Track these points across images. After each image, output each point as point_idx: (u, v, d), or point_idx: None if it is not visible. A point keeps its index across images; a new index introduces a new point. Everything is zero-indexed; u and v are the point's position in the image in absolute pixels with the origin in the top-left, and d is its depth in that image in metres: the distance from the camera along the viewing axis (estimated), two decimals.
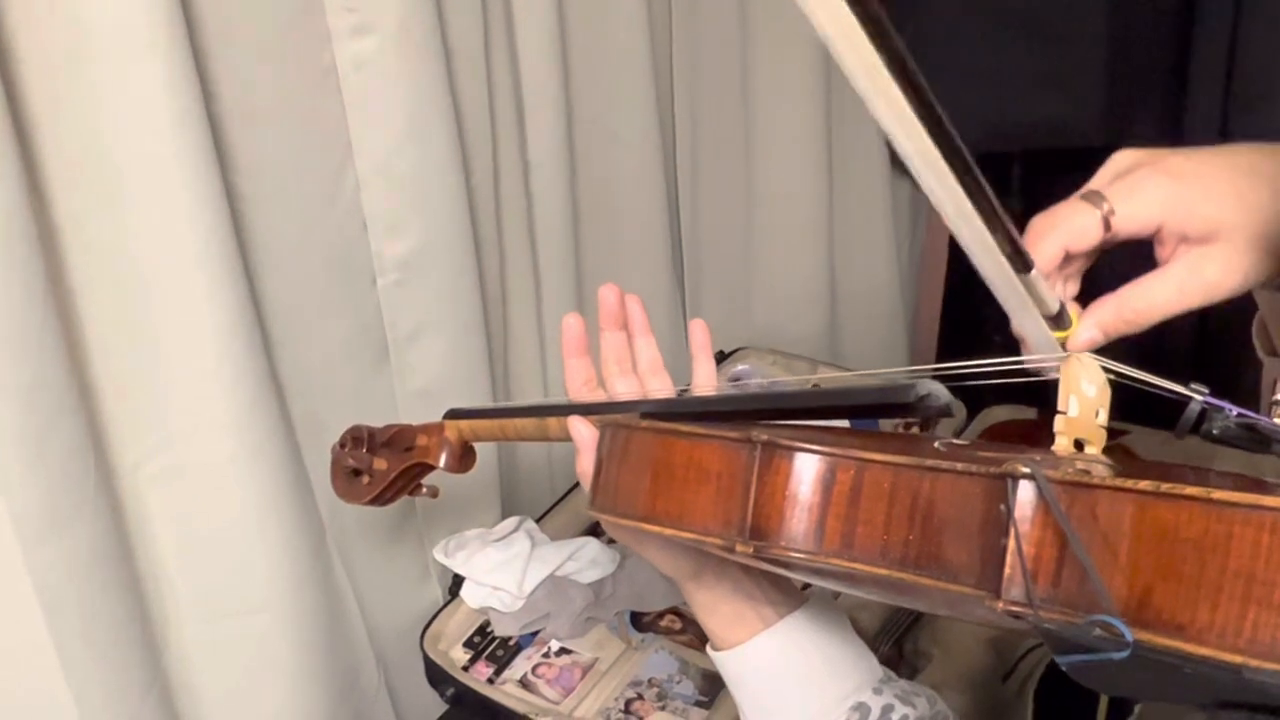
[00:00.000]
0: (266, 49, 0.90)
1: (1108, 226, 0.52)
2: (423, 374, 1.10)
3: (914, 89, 0.40)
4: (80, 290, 0.82)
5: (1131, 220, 0.51)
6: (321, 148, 0.97)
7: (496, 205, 1.15)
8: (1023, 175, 1.78)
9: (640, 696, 1.07)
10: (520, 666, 1.13)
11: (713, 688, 1.07)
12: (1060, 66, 1.59)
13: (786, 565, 0.50)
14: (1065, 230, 0.52)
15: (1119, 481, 0.37)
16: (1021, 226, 1.69)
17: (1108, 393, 0.51)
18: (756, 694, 0.63)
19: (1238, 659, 0.33)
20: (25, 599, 0.78)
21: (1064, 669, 0.38)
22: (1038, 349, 0.53)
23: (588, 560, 1.21)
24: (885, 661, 1.04)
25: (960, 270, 1.83)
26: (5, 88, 0.73)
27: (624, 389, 0.70)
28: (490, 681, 1.11)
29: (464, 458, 0.83)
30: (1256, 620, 0.33)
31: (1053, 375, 0.53)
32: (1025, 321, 0.51)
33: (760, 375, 1.51)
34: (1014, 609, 0.39)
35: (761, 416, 0.57)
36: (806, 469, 0.47)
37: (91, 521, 0.82)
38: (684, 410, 0.63)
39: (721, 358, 1.51)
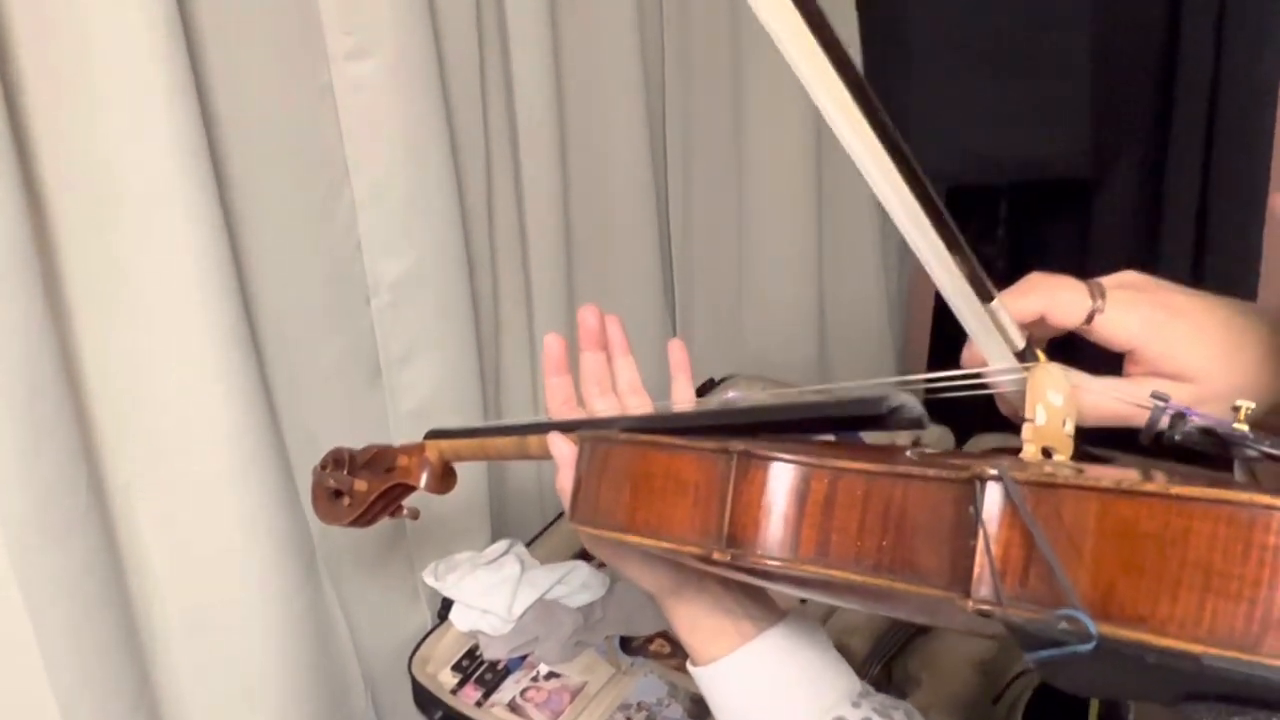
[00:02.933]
0: (266, 71, 0.92)
1: (1090, 319, 0.54)
2: (415, 393, 1.11)
3: (865, 104, 0.42)
4: (76, 306, 0.83)
5: (1112, 329, 0.53)
6: (318, 168, 0.99)
7: (490, 228, 1.16)
8: (1010, 207, 1.80)
9: None
10: (509, 690, 1.12)
11: (701, 710, 1.06)
12: (1045, 100, 1.61)
13: (764, 574, 0.51)
14: (1054, 298, 0.54)
15: (1082, 480, 0.39)
16: (1012, 254, 1.69)
17: (1074, 403, 0.52)
18: (736, 708, 0.63)
19: (1197, 648, 0.34)
20: (15, 611, 0.78)
21: (1033, 666, 0.39)
22: (1001, 377, 0.54)
23: (578, 584, 1.21)
24: (874, 685, 1.04)
25: None
26: (8, 106, 0.74)
27: (603, 408, 0.71)
28: (479, 705, 1.10)
29: (445, 478, 0.84)
30: (1215, 610, 0.34)
31: (1010, 388, 0.54)
32: (988, 345, 0.53)
33: (748, 400, 1.52)
34: (983, 607, 0.40)
35: (739, 432, 0.57)
36: (781, 478, 0.48)
37: (83, 535, 0.82)
38: (662, 426, 0.63)
39: (710, 385, 1.52)
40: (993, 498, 0.41)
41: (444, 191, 1.04)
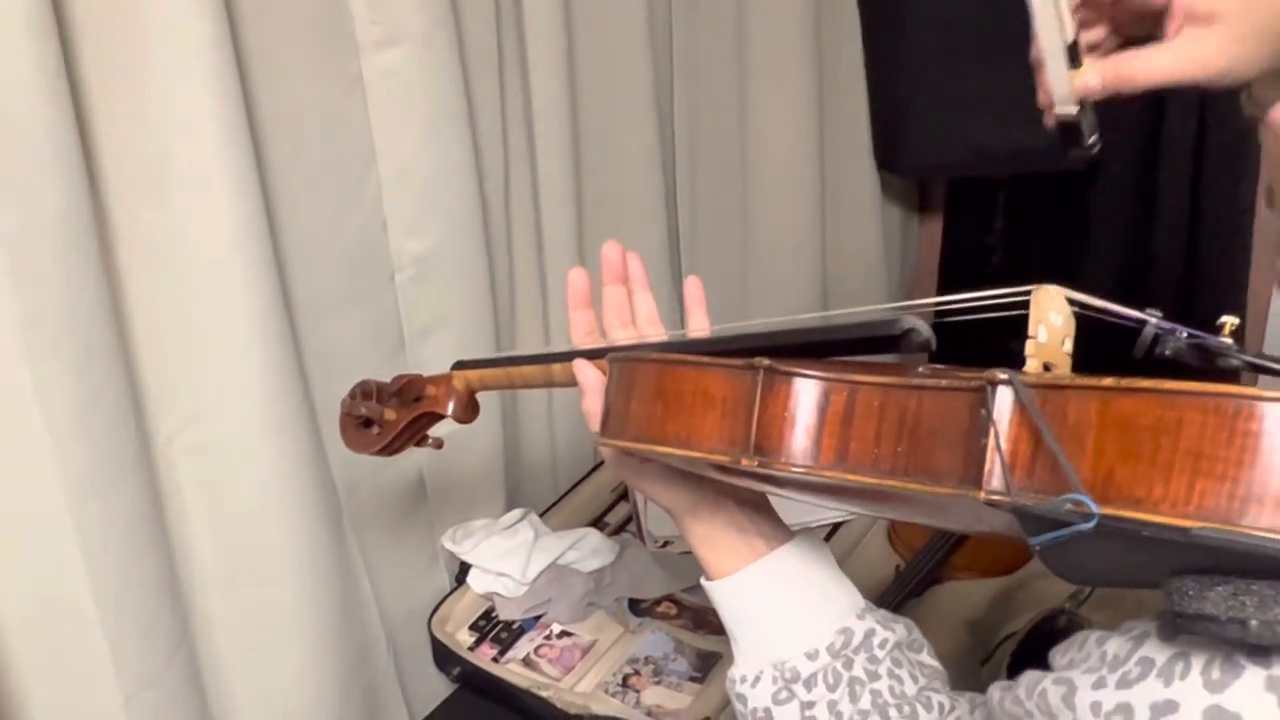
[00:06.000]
0: (300, 60, 0.98)
1: None
2: (435, 364, 1.16)
3: None
4: (128, 274, 0.89)
5: None
6: (347, 152, 1.05)
7: (506, 208, 1.22)
8: (1008, 198, 1.85)
9: (637, 672, 1.13)
10: (523, 647, 1.18)
11: (706, 665, 1.12)
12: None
13: (787, 481, 0.55)
14: None
15: (1085, 380, 0.43)
16: (1010, 244, 1.73)
17: (1073, 324, 0.56)
18: (749, 619, 0.67)
19: (1186, 522, 0.39)
20: (70, 555, 0.85)
21: (1037, 551, 0.43)
22: (1054, 86, 0.60)
23: (589, 550, 1.26)
24: None
25: (950, 274, 1.90)
26: (72, 92, 0.80)
27: (623, 339, 0.75)
28: (495, 660, 1.16)
29: (470, 407, 0.86)
30: (1203, 490, 0.39)
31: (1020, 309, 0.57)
32: (1051, 62, 0.58)
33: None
34: (994, 498, 0.44)
35: (756, 354, 0.61)
36: (804, 391, 0.52)
37: (131, 485, 0.88)
38: (683, 348, 0.67)
39: None
40: (1003, 399, 0.45)
41: (464, 174, 1.11)
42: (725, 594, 0.68)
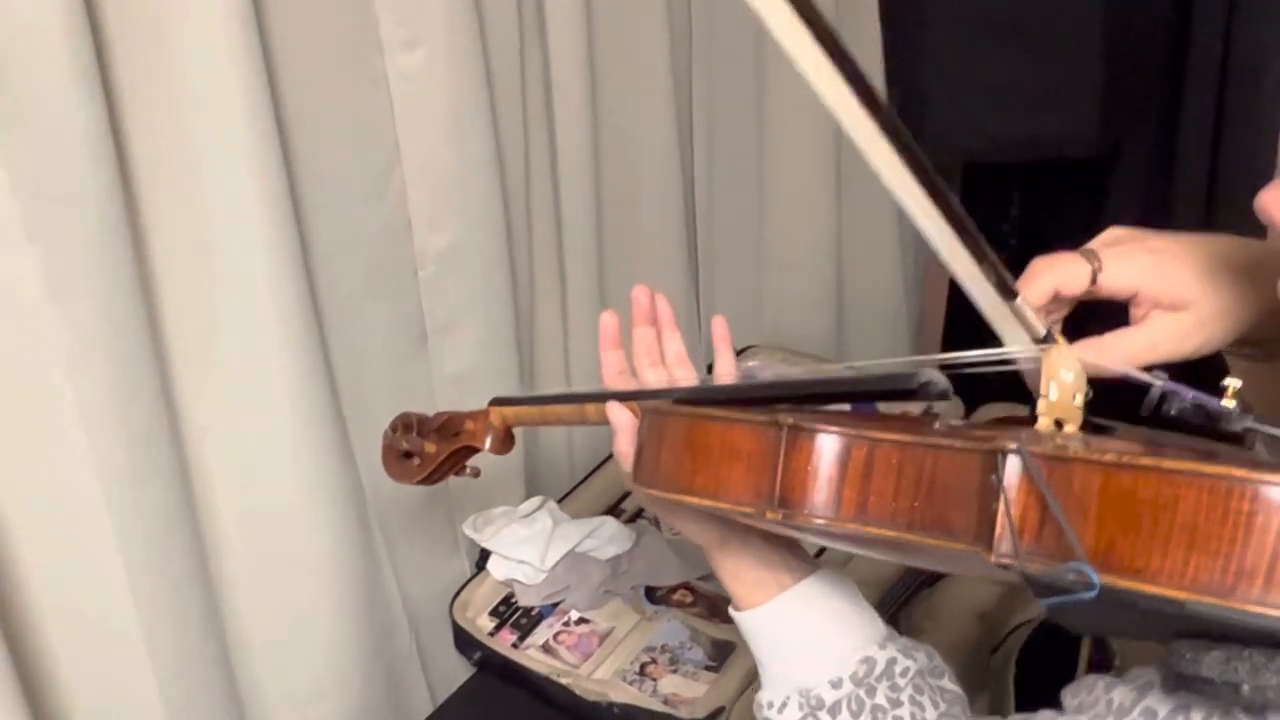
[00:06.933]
0: (327, 63, 1.00)
1: (1094, 280, 0.60)
2: (458, 357, 1.19)
3: (899, 142, 0.47)
4: (161, 276, 0.92)
5: (1115, 280, 0.60)
6: (372, 150, 1.07)
7: (527, 205, 1.24)
8: (1023, 185, 1.86)
9: (654, 660, 1.15)
10: (542, 634, 1.20)
11: (721, 654, 1.15)
12: (1058, 80, 1.65)
13: (809, 530, 0.58)
14: (1060, 273, 0.61)
15: (1089, 455, 0.45)
16: (1026, 232, 1.74)
17: (1084, 378, 0.59)
18: (776, 648, 0.70)
19: (1181, 595, 0.41)
20: (106, 548, 0.87)
21: (1045, 609, 0.46)
22: (1021, 361, 0.60)
23: (606, 538, 1.29)
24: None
25: None
26: (107, 101, 0.82)
27: (653, 378, 0.78)
28: (514, 646, 1.19)
29: (506, 441, 0.91)
30: (1197, 564, 0.41)
31: (1030, 366, 0.60)
32: (1010, 333, 0.59)
33: (768, 372, 1.60)
34: (1004, 561, 0.47)
35: (779, 401, 0.64)
36: (827, 447, 0.55)
37: (165, 479, 0.91)
38: (711, 397, 0.70)
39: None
40: (1012, 468, 0.47)
41: (486, 172, 1.12)
42: (753, 624, 0.71)
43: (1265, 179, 1.56)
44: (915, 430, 0.54)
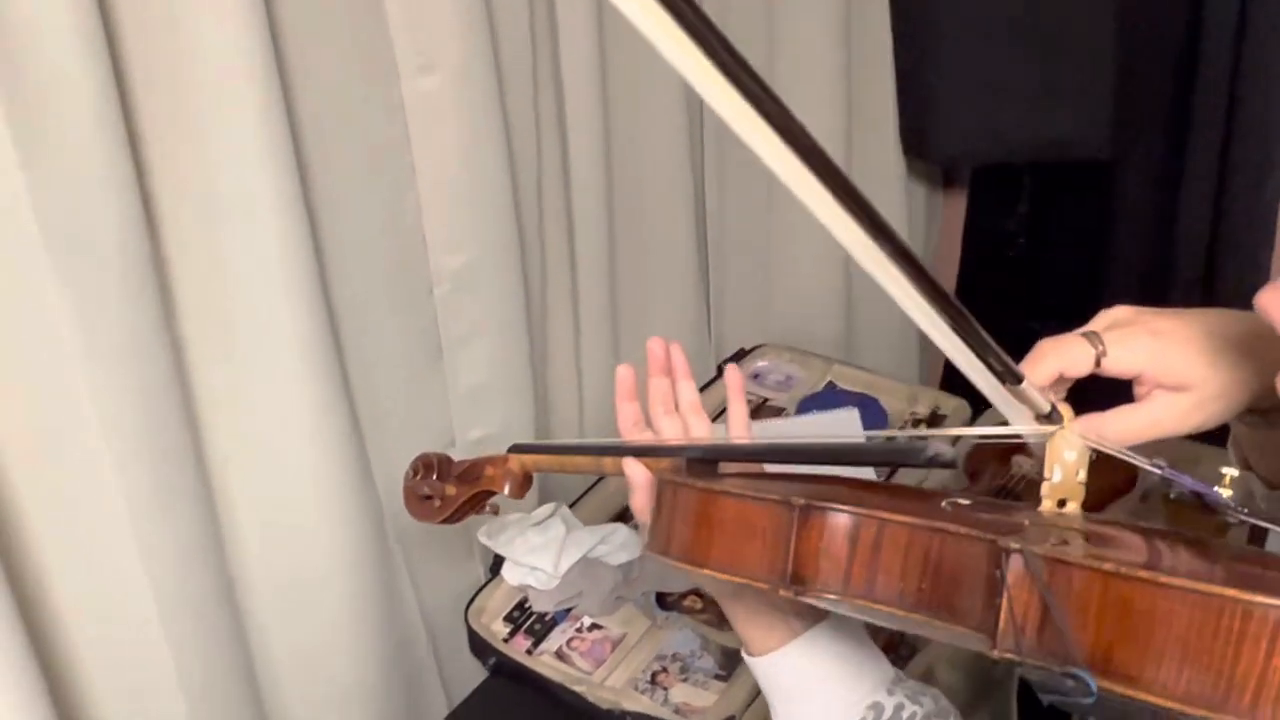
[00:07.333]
0: (343, 87, 1.01)
1: (1098, 364, 0.62)
2: (472, 373, 1.21)
3: (902, 256, 0.48)
4: (183, 307, 0.94)
5: (1119, 364, 0.62)
6: (388, 172, 1.08)
7: (540, 221, 1.26)
8: (1032, 185, 1.86)
9: (665, 669, 1.18)
10: (556, 639, 1.23)
11: (730, 663, 1.17)
12: (1068, 82, 1.66)
13: (822, 604, 0.60)
14: (1065, 357, 0.62)
15: (1089, 561, 0.47)
16: (1033, 229, 1.72)
17: (1087, 455, 0.61)
18: (787, 693, 0.73)
19: (1174, 705, 0.43)
20: (134, 572, 0.90)
21: (1044, 704, 0.48)
22: (1027, 435, 0.62)
23: (618, 544, 1.31)
24: (888, 641, 1.13)
25: (970, 276, 1.92)
26: (128, 129, 0.83)
27: (668, 426, 0.80)
28: (529, 653, 1.22)
29: (524, 485, 0.93)
30: (1190, 677, 0.43)
31: (1035, 441, 0.62)
32: (1014, 414, 0.61)
33: (778, 371, 1.61)
34: (1008, 656, 0.49)
35: (793, 456, 0.66)
36: (837, 526, 0.57)
37: (190, 505, 0.94)
38: (725, 456, 0.72)
39: (741, 354, 1.61)
40: (1016, 565, 0.48)
41: (499, 193, 1.14)
42: (765, 669, 0.73)
43: (1272, 177, 1.54)
44: (922, 509, 0.56)
